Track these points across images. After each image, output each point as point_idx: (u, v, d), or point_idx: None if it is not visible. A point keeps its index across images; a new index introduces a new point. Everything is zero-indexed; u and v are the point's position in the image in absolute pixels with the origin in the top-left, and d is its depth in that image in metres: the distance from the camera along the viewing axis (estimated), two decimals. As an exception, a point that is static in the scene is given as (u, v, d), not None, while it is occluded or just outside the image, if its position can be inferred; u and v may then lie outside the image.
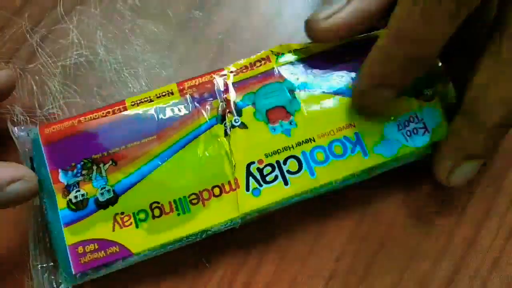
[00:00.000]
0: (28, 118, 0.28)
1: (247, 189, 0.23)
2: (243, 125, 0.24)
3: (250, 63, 0.25)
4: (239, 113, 0.24)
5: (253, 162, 0.24)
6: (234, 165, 0.23)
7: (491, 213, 0.27)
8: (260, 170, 0.24)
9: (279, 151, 0.24)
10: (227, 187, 0.24)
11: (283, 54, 0.25)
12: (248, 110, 0.24)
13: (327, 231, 0.26)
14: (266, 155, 0.24)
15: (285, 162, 0.24)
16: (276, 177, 0.24)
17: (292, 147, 0.24)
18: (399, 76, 0.22)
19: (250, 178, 0.23)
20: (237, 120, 0.24)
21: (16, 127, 0.24)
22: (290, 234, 0.26)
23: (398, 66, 0.21)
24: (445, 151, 0.23)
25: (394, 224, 0.27)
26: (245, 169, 0.24)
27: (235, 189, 0.24)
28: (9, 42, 0.29)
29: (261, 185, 0.23)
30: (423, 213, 0.27)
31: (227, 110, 0.24)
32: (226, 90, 0.25)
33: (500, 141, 0.24)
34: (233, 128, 0.24)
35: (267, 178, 0.24)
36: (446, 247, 0.26)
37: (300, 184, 0.24)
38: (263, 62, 0.25)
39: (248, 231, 0.26)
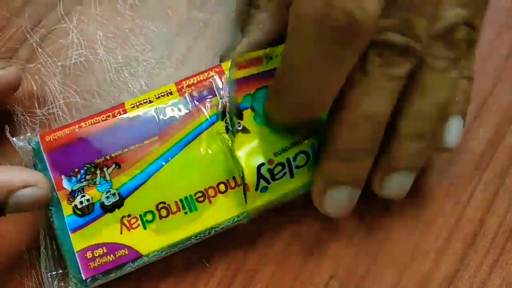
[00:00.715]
0: (28, 118, 0.28)
1: (257, 189, 0.23)
2: (245, 130, 0.24)
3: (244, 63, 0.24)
4: (240, 115, 0.24)
5: (263, 164, 0.23)
6: (242, 171, 0.23)
7: (491, 212, 0.27)
8: (271, 171, 0.23)
9: (287, 148, 0.24)
10: (232, 183, 0.24)
11: (276, 56, 0.24)
12: (247, 113, 0.24)
13: (327, 231, 0.26)
14: (276, 154, 0.23)
15: (295, 158, 0.23)
16: (284, 173, 0.24)
17: (300, 142, 0.24)
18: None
19: (261, 179, 0.23)
20: (239, 124, 0.24)
21: (15, 138, 0.24)
22: (290, 234, 0.26)
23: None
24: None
25: (394, 224, 0.27)
26: (256, 171, 0.23)
27: (240, 185, 0.24)
28: (9, 42, 0.29)
29: (269, 183, 0.23)
30: (423, 213, 0.27)
31: (228, 109, 0.24)
32: (225, 88, 0.25)
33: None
34: (236, 132, 0.24)
35: (276, 176, 0.23)
36: (446, 247, 0.26)
37: (305, 175, 0.24)
38: (255, 63, 0.24)
39: (248, 231, 0.26)
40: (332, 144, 0.22)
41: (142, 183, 0.24)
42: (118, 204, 0.23)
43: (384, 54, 0.20)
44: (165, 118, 0.24)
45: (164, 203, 0.24)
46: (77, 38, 0.29)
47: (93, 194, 0.24)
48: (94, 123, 0.24)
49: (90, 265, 0.23)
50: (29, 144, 0.24)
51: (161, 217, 0.23)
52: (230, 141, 0.24)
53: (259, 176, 0.23)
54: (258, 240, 0.26)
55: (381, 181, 0.23)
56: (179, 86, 0.25)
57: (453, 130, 0.23)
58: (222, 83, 0.25)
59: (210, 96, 0.25)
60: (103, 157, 0.24)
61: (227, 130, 0.24)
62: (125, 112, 0.24)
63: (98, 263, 0.23)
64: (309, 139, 0.24)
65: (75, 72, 0.28)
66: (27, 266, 0.25)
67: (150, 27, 0.29)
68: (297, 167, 0.24)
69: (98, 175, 0.24)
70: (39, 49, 0.29)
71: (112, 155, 0.24)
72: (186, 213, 0.24)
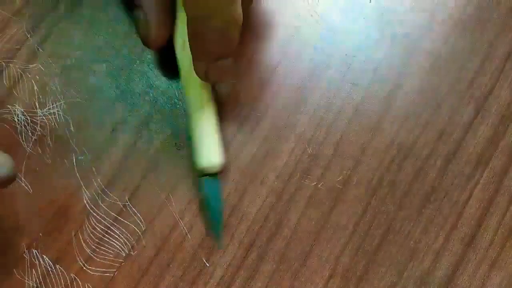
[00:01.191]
0: (28, 118, 0.28)
1: None
2: None
3: None
4: None
5: None
6: None
7: (490, 212, 0.27)
8: None
9: None
10: None
11: None
12: None
13: (327, 231, 0.27)
14: None
15: None
16: None
17: None
18: None
19: None
20: None
21: None
22: (290, 234, 0.26)
23: None
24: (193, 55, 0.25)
25: (394, 224, 0.27)
26: None
27: None
28: (10, 42, 0.29)
29: None
30: (422, 213, 0.27)
31: None
32: None
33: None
34: None
35: None
36: (445, 246, 0.26)
37: None
38: None
39: (248, 231, 0.26)
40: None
41: None
42: None
43: None
44: None
45: None
46: (78, 38, 0.29)
47: None
48: None
49: None
50: None
51: None
52: None
53: None
54: (258, 240, 0.26)
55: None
56: None
57: None
58: None
59: None
60: None
61: None
62: None
63: None
64: None
65: (75, 72, 0.29)
66: (27, 266, 0.26)
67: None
68: None
69: None
70: (39, 49, 0.29)
71: None
72: None
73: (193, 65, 0.25)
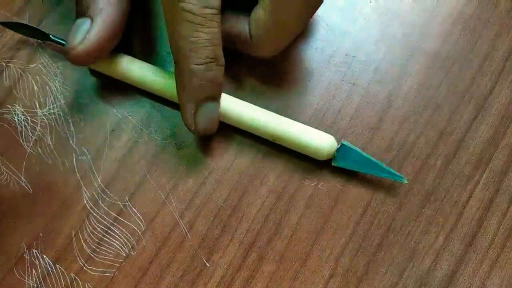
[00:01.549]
0: (29, 118, 0.28)
1: None
2: None
3: None
4: None
5: None
6: None
7: (491, 212, 0.27)
8: None
9: None
10: None
11: None
12: None
13: (327, 231, 0.27)
14: None
15: None
16: None
17: None
18: None
19: None
20: None
21: None
22: (290, 234, 0.26)
23: None
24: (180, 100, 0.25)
25: (394, 224, 0.27)
26: None
27: None
28: (10, 42, 0.29)
29: None
30: (422, 212, 0.27)
31: None
32: None
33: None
34: None
35: None
36: (446, 246, 0.26)
37: None
38: None
39: (248, 231, 0.26)
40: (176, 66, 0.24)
41: None
42: None
43: None
44: None
45: None
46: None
47: None
48: None
49: None
50: None
51: None
52: None
53: None
54: (258, 239, 0.26)
55: (195, 115, 0.25)
56: None
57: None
58: None
59: None
60: None
61: None
62: None
63: None
64: None
65: (75, 72, 0.29)
66: (27, 266, 0.26)
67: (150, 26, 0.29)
68: None
69: None
70: (40, 49, 0.29)
71: None
72: None
73: (180, 109, 0.25)
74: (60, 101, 0.28)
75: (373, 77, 0.29)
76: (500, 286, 0.26)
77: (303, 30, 0.25)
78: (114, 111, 0.28)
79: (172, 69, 0.27)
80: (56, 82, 0.28)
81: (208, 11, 0.22)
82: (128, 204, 0.27)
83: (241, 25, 0.25)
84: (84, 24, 0.24)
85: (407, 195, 0.27)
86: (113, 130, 0.28)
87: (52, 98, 0.28)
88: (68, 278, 0.26)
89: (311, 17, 0.25)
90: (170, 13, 0.23)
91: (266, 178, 0.27)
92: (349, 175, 0.27)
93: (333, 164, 0.26)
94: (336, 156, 0.26)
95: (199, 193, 0.27)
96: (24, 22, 0.28)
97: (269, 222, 0.27)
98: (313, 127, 0.26)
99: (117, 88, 0.28)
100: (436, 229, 0.27)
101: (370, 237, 0.26)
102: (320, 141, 0.26)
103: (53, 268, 0.26)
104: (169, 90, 0.26)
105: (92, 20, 0.24)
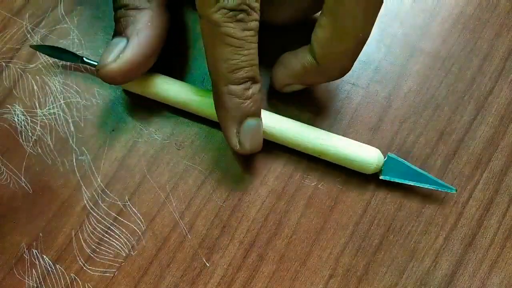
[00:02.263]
0: (28, 118, 0.28)
1: None
2: None
3: None
4: None
5: None
6: None
7: (490, 212, 0.27)
8: None
9: None
10: None
11: None
12: None
13: (327, 231, 0.27)
14: None
15: None
16: None
17: None
18: None
19: None
20: None
21: None
22: (290, 234, 0.26)
23: None
24: (221, 122, 0.25)
25: (394, 224, 0.27)
26: None
27: None
28: (10, 42, 0.29)
29: None
30: (422, 212, 0.27)
31: None
32: None
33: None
34: None
35: None
36: (445, 246, 0.26)
37: None
38: None
39: (248, 231, 0.26)
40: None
41: None
42: None
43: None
44: None
45: None
46: (78, 39, 0.29)
47: None
48: None
49: None
50: None
51: None
52: None
53: None
54: (257, 239, 0.26)
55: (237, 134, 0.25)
56: None
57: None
58: None
59: None
60: None
61: None
62: None
63: None
64: None
65: (75, 72, 0.29)
66: (27, 265, 0.26)
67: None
68: None
69: None
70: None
71: None
72: None
73: (223, 131, 0.25)
74: (60, 101, 0.28)
75: (373, 77, 0.29)
76: (500, 286, 0.26)
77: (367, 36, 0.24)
78: (114, 111, 0.28)
79: (209, 87, 0.27)
80: (56, 82, 0.28)
81: (247, 33, 0.22)
82: (128, 204, 0.27)
83: (303, 57, 0.25)
84: (120, 44, 0.24)
85: (407, 195, 0.27)
86: (113, 130, 0.28)
87: (52, 98, 0.28)
88: (68, 278, 0.26)
89: (375, 19, 0.23)
90: (210, 37, 0.22)
91: (266, 178, 0.27)
92: (349, 175, 0.27)
93: (381, 177, 0.26)
94: (384, 169, 0.26)
95: (199, 193, 0.27)
96: (58, 46, 0.28)
97: (269, 222, 0.27)
98: (312, 126, 0.26)
99: (117, 88, 0.28)
100: (436, 229, 0.27)
101: (370, 237, 0.26)
102: (367, 155, 0.26)
103: (53, 268, 0.26)
104: (209, 110, 0.26)
105: (128, 40, 0.24)
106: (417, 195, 0.27)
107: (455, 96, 0.29)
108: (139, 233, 0.26)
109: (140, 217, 0.27)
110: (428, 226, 0.27)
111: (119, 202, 0.27)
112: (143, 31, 0.24)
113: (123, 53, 0.24)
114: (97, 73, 0.24)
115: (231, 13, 0.22)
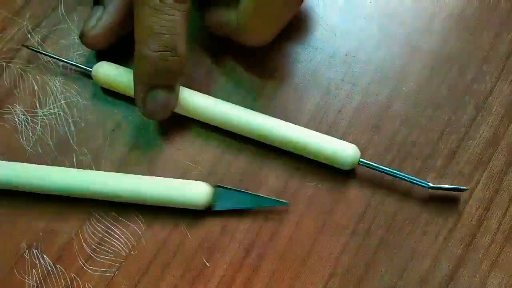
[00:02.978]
0: (29, 118, 0.28)
1: None
2: None
3: None
4: None
5: None
6: None
7: (490, 212, 0.27)
8: None
9: None
10: None
11: None
12: None
13: (327, 231, 0.27)
14: None
15: None
16: None
17: None
18: None
19: None
20: None
21: None
22: (290, 234, 0.26)
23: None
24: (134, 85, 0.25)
25: (394, 224, 0.27)
26: None
27: None
28: (10, 42, 0.29)
29: None
30: (422, 212, 0.27)
31: None
32: None
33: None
34: None
35: None
36: (445, 246, 0.26)
37: None
38: None
39: (248, 231, 0.26)
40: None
41: None
42: None
43: None
44: None
45: None
46: (78, 39, 0.29)
47: None
48: None
49: None
50: None
51: None
52: None
53: None
54: (258, 239, 0.26)
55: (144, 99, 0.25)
56: None
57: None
58: None
59: None
60: None
61: None
62: None
63: None
64: None
65: (76, 72, 0.29)
66: (28, 265, 0.26)
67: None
68: None
69: None
70: (40, 49, 0.29)
71: None
72: None
73: (134, 89, 0.25)
74: (60, 101, 0.28)
75: (373, 77, 0.29)
76: (500, 286, 0.26)
77: (294, 22, 0.25)
78: (114, 111, 0.28)
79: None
80: (56, 82, 0.28)
81: None
82: (129, 204, 0.27)
83: (230, 15, 0.26)
84: (97, 12, 0.26)
85: (407, 195, 0.27)
86: (113, 130, 0.28)
87: (52, 98, 0.28)
88: (68, 278, 0.26)
89: (299, 5, 0.25)
90: None
91: (266, 178, 0.27)
92: (349, 175, 0.27)
93: (213, 209, 0.26)
94: (217, 203, 0.26)
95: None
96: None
97: (269, 222, 0.27)
98: (312, 126, 0.26)
99: (117, 88, 0.28)
100: (436, 229, 0.27)
101: (370, 237, 0.26)
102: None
103: (53, 268, 0.26)
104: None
105: (104, 8, 0.26)
106: (417, 195, 0.27)
107: (455, 96, 0.29)
108: (139, 233, 0.26)
109: (140, 217, 0.27)
110: (428, 226, 0.27)
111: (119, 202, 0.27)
112: None
113: (100, 19, 0.26)
114: (81, 40, 0.27)
115: None
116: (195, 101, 0.27)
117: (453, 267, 0.26)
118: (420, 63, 0.29)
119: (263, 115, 0.27)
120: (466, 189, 0.26)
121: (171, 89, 0.25)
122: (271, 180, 0.27)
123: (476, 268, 0.26)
